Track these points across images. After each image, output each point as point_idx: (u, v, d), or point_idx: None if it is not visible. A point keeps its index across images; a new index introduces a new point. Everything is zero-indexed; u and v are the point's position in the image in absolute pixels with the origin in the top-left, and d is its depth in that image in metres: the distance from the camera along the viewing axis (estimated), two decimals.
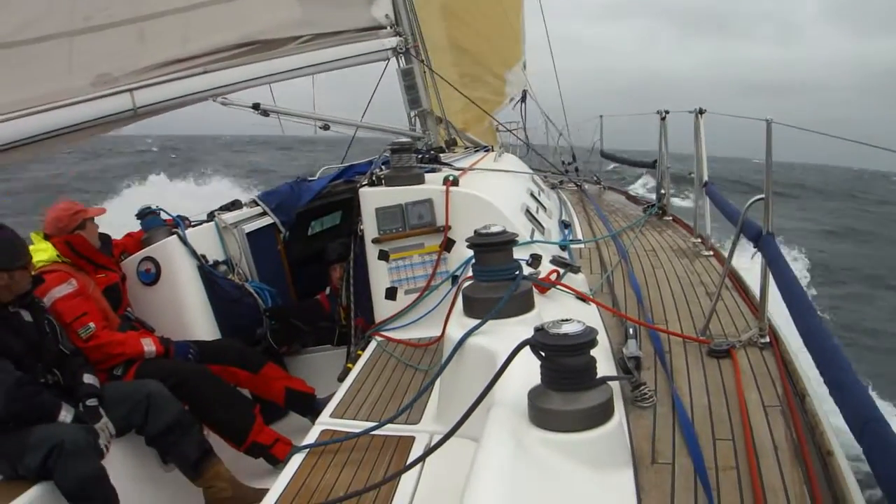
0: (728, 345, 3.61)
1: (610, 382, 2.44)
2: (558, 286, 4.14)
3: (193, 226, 5.75)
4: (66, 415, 3.83)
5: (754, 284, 4.27)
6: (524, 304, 3.44)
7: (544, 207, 6.70)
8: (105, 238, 5.09)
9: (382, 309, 5.07)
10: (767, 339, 3.66)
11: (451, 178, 5.07)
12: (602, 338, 3.20)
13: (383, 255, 5.05)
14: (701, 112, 6.58)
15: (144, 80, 5.85)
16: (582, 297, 4.21)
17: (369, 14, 7.52)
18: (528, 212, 5.74)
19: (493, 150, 8.60)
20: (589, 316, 3.98)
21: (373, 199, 5.08)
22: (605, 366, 2.89)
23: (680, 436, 2.79)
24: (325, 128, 8.40)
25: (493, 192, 5.27)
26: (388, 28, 7.62)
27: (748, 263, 4.06)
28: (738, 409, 3.00)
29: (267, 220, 6.17)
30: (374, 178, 5.34)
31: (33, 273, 4.19)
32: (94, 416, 3.98)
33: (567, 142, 13.73)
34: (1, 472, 3.70)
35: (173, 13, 6.31)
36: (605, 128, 12.45)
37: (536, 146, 13.05)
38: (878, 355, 13.39)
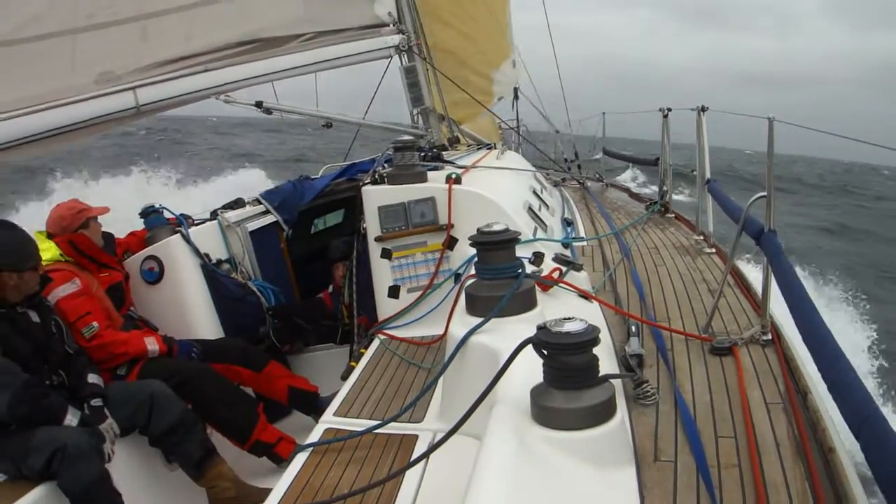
0: (730, 342, 3.61)
1: (612, 380, 2.44)
2: (561, 284, 4.15)
3: (196, 224, 5.75)
4: (71, 418, 3.83)
5: (756, 282, 4.27)
6: (527, 303, 3.45)
7: (547, 205, 6.70)
8: (108, 237, 5.10)
9: (385, 307, 5.08)
10: (769, 337, 3.67)
11: (453, 177, 5.07)
12: (604, 336, 3.20)
13: (386, 254, 5.06)
14: (703, 109, 6.57)
15: (147, 78, 5.86)
16: (584, 295, 4.22)
17: (372, 12, 7.51)
18: (530, 210, 5.74)
19: (495, 148, 8.60)
20: (591, 314, 3.98)
21: (375, 197, 5.08)
22: (607, 364, 2.90)
23: (682, 433, 2.79)
24: (328, 125, 8.40)
25: (496, 190, 5.27)
26: (391, 26, 7.62)
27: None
28: (740, 406, 3.00)
29: (270, 219, 6.17)
30: (376, 177, 5.34)
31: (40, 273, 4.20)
32: (99, 417, 3.98)
33: (563, 139, 13.72)
34: (5, 472, 3.70)
35: (176, 11, 6.31)
36: (592, 120, 12.43)
37: (538, 143, 13.03)
38: None
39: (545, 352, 2.33)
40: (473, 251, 3.69)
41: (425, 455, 2.86)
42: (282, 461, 4.50)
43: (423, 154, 6.09)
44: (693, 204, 6.89)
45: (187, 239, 5.36)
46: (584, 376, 2.32)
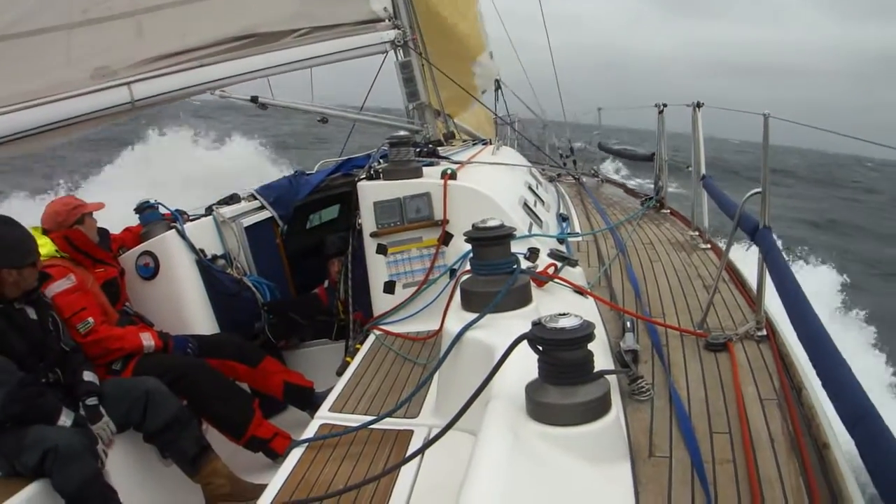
0: (725, 338, 3.62)
1: (607, 376, 2.45)
2: (556, 280, 4.15)
3: (192, 220, 5.74)
4: (65, 419, 3.80)
5: (752, 277, 4.28)
6: (522, 298, 3.46)
7: (542, 201, 6.70)
8: (103, 232, 5.09)
9: (381, 303, 5.08)
10: (764, 333, 3.67)
11: (449, 172, 5.07)
12: (599, 331, 3.21)
13: (381, 249, 5.06)
14: (699, 105, 6.57)
15: (142, 73, 5.85)
16: (579, 291, 4.22)
17: (367, 7, 7.50)
18: (525, 205, 5.75)
19: (491, 144, 8.60)
20: (586, 309, 3.99)
21: (371, 192, 5.08)
22: (602, 359, 2.91)
23: (677, 429, 2.80)
24: (324, 121, 8.40)
25: (491, 186, 5.27)
26: (387, 21, 7.60)
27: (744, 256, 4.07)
28: (734, 402, 3.00)
29: (265, 214, 6.17)
30: (372, 172, 5.33)
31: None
32: (94, 416, 3.98)
33: (557, 134, 13.71)
34: (0, 468, 3.70)
35: (171, 6, 6.30)
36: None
37: (534, 136, 13.01)
38: None
39: (540, 347, 2.33)
40: (469, 247, 3.69)
41: (421, 451, 2.86)
42: (277, 457, 4.50)
43: (418, 150, 6.09)
44: (684, 196, 6.89)
45: (182, 234, 5.35)
46: (578, 372, 2.32)
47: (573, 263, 4.51)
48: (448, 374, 3.37)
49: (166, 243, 5.30)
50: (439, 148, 7.00)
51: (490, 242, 3.48)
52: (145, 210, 5.58)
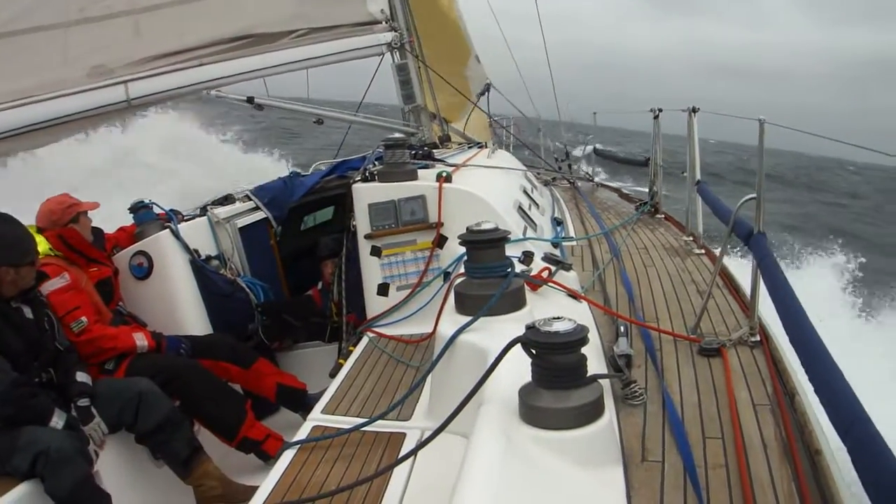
0: (718, 343, 3.62)
1: (600, 380, 2.45)
2: (550, 284, 4.16)
3: (186, 220, 5.73)
4: (57, 420, 3.78)
5: (745, 283, 4.28)
6: (516, 302, 3.46)
7: (537, 204, 6.71)
8: (97, 232, 5.07)
9: (374, 305, 5.08)
10: (758, 338, 3.68)
11: (444, 175, 5.07)
12: (593, 335, 3.21)
13: (375, 251, 5.05)
14: (694, 110, 6.58)
15: (139, 73, 5.85)
16: (573, 295, 4.22)
17: (365, 9, 7.49)
18: (520, 209, 5.75)
19: (486, 147, 8.60)
20: (580, 313, 3.99)
21: (366, 194, 5.08)
22: (595, 363, 2.91)
23: (670, 434, 2.80)
24: (319, 122, 8.40)
25: (486, 189, 5.27)
26: (384, 23, 7.60)
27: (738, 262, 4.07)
28: (727, 407, 3.01)
29: (260, 215, 6.16)
30: (367, 174, 5.33)
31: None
32: (86, 417, 3.97)
33: (551, 135, 13.72)
34: None
35: (169, 6, 6.32)
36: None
37: (529, 138, 13.02)
38: None
39: (534, 351, 2.34)
40: (463, 250, 3.69)
41: (413, 453, 2.86)
42: (269, 458, 4.48)
43: (413, 152, 6.09)
44: (673, 199, 6.89)
45: (177, 235, 5.34)
46: (572, 376, 2.33)
47: (567, 267, 4.51)
48: (441, 377, 3.36)
49: (160, 243, 5.29)
50: (435, 151, 7.01)
51: (484, 245, 3.48)
52: (140, 209, 5.56)
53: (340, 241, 5.57)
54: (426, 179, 5.14)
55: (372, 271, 5.09)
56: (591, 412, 2.34)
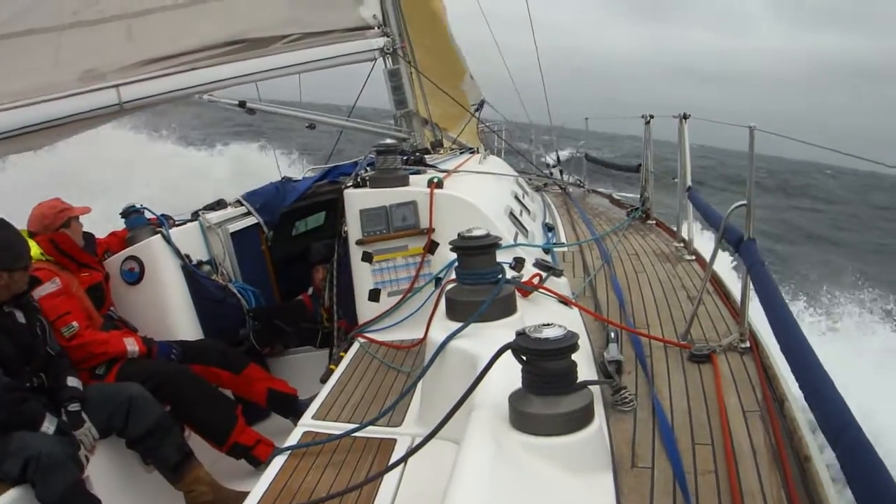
0: (709, 349, 3.63)
1: (591, 386, 2.45)
2: (541, 290, 4.16)
3: (178, 225, 5.72)
4: (48, 425, 3.77)
5: (736, 289, 4.29)
6: (507, 308, 3.47)
7: (528, 210, 6.72)
8: (88, 237, 5.07)
9: (365, 310, 5.08)
10: (748, 345, 3.69)
11: (435, 181, 5.07)
12: (583, 341, 3.21)
13: (367, 257, 5.06)
14: (685, 117, 6.60)
15: (131, 77, 5.84)
16: (564, 301, 4.23)
17: (357, 14, 7.52)
18: (511, 215, 5.76)
19: (478, 153, 8.61)
20: (571, 319, 4.00)
21: (357, 200, 5.08)
22: (586, 370, 2.91)
23: (659, 440, 2.80)
24: (311, 127, 8.41)
25: (478, 195, 5.27)
26: (376, 28, 7.62)
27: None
28: (717, 413, 3.02)
29: (251, 220, 6.15)
30: (358, 180, 5.34)
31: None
32: (76, 422, 3.96)
33: (542, 143, 13.74)
34: None
35: (162, 10, 6.32)
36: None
37: (521, 145, 13.05)
38: None
39: (524, 357, 2.34)
40: (454, 255, 3.69)
41: (403, 459, 2.86)
42: (260, 464, 4.48)
43: (405, 158, 6.09)
44: (663, 203, 6.89)
45: (168, 240, 5.34)
46: (562, 382, 2.33)
47: (558, 274, 4.52)
48: (432, 383, 3.37)
49: (151, 248, 5.28)
50: (426, 156, 7.01)
51: (475, 252, 3.48)
52: (131, 214, 5.56)
53: (332, 247, 5.56)
54: (418, 185, 5.14)
55: (363, 277, 5.09)
56: (581, 418, 2.34)
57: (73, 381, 4.11)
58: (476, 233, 3.53)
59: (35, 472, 3.52)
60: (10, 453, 3.56)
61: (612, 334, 3.77)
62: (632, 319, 4.31)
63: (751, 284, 3.59)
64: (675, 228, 6.83)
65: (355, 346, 4.77)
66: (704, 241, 6.45)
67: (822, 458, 2.68)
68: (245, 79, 6.76)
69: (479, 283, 3.46)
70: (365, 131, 8.67)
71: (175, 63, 6.14)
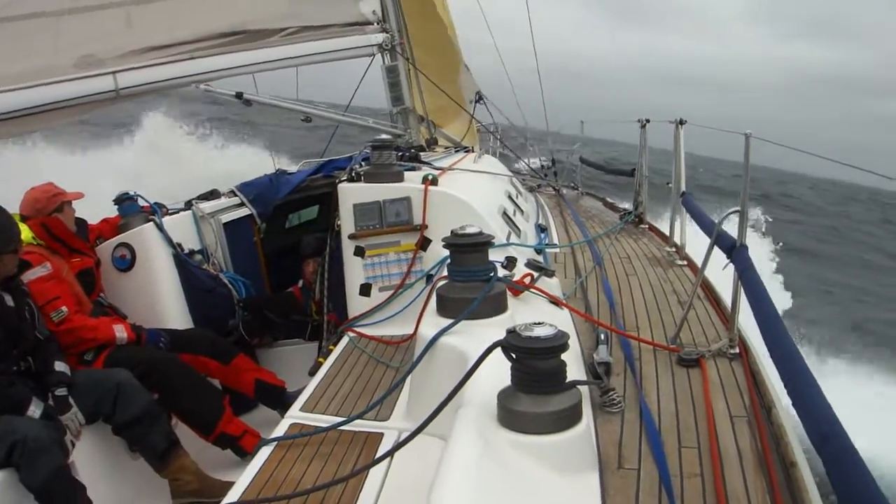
0: (698, 354, 3.64)
1: (579, 387, 2.46)
2: (532, 289, 4.17)
3: (171, 214, 5.72)
4: (34, 409, 3.77)
5: (727, 295, 4.31)
6: (497, 306, 3.47)
7: (521, 210, 6.73)
8: (81, 222, 5.06)
9: (356, 305, 5.08)
10: (737, 350, 3.69)
11: (430, 178, 5.08)
12: (573, 342, 3.22)
13: (359, 252, 5.06)
14: (681, 122, 6.61)
15: (129, 64, 5.84)
16: (555, 302, 4.23)
17: (356, 9, 7.50)
18: (505, 214, 5.76)
19: (473, 151, 8.61)
20: (561, 320, 4.00)
21: (351, 194, 5.08)
22: (575, 370, 2.92)
23: (646, 442, 2.81)
24: (307, 120, 8.40)
25: (471, 193, 5.28)
26: (375, 24, 7.61)
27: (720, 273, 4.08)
28: (704, 417, 3.02)
29: (244, 211, 6.15)
30: (353, 174, 5.34)
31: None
32: (63, 406, 3.95)
33: (538, 144, 13.73)
34: None
35: None
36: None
37: (516, 144, 13.02)
38: None
39: (514, 355, 2.34)
40: (446, 252, 3.70)
41: (390, 453, 2.86)
42: (246, 454, 4.48)
43: (400, 154, 6.09)
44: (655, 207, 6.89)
45: (160, 228, 5.33)
46: (551, 381, 2.33)
47: (550, 274, 4.52)
48: (420, 379, 3.37)
49: (144, 236, 5.28)
50: (421, 153, 7.01)
51: (468, 249, 3.49)
52: (124, 201, 5.55)
53: (323, 241, 5.57)
54: (412, 181, 5.15)
55: (355, 271, 5.10)
56: (569, 418, 2.34)
57: (60, 366, 4.10)
58: (469, 230, 3.53)
59: (20, 457, 3.51)
60: None
61: (602, 336, 3.77)
62: (622, 322, 4.31)
63: (741, 290, 3.60)
64: (667, 233, 6.84)
65: (345, 340, 4.78)
66: (697, 246, 6.46)
67: (808, 465, 2.69)
68: (242, 70, 6.77)
69: (471, 280, 3.46)
70: (360, 126, 8.67)
71: (173, 52, 6.14)
